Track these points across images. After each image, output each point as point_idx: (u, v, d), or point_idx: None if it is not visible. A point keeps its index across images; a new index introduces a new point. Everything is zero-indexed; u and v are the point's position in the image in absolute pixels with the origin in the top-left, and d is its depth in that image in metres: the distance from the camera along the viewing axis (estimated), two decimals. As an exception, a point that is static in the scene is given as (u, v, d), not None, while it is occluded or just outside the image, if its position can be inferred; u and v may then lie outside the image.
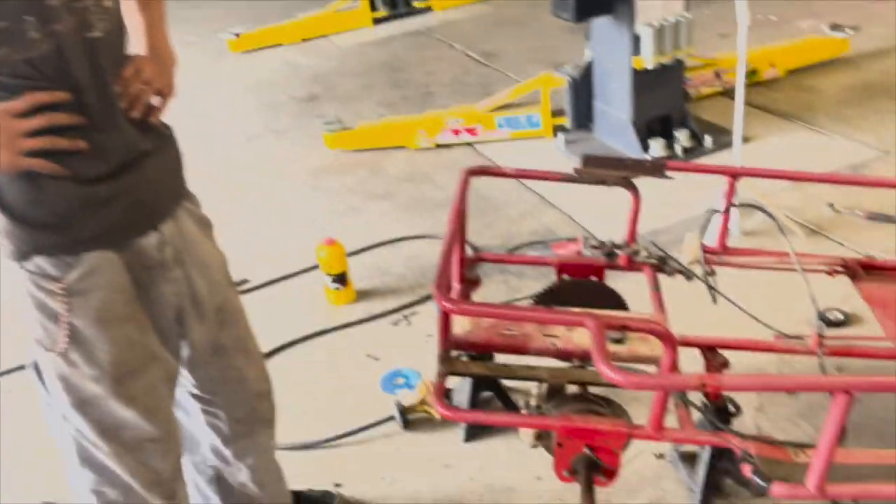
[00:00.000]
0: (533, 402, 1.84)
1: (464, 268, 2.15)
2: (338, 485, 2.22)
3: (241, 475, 1.85)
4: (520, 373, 1.82)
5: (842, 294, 2.76)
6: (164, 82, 1.51)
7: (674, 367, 1.50)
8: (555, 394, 1.82)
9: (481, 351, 2.03)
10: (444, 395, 1.77)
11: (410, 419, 2.40)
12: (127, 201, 1.40)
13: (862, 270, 2.17)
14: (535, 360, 1.90)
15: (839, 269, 2.21)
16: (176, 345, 1.57)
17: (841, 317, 2.69)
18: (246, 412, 1.78)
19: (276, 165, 4.39)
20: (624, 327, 1.51)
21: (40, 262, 1.35)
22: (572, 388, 1.87)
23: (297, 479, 2.10)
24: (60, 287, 1.36)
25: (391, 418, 2.40)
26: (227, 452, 1.80)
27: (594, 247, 2.26)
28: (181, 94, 1.60)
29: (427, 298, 3.01)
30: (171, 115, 1.57)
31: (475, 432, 2.34)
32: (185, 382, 1.69)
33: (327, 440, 2.37)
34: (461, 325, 1.87)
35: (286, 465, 2.03)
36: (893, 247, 3.11)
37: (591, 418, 1.65)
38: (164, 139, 1.52)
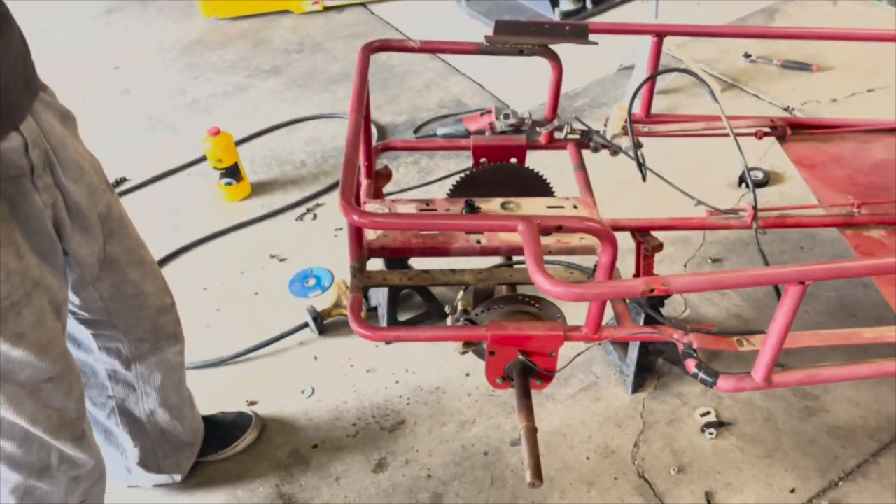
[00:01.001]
0: (460, 307, 1.69)
1: (371, 160, 1.91)
2: (252, 403, 2.05)
3: (148, 401, 1.67)
4: (442, 279, 1.64)
5: (760, 152, 2.71)
6: None
7: (613, 266, 1.36)
8: (482, 298, 1.67)
9: (398, 256, 1.84)
10: (361, 307, 1.59)
11: (326, 324, 2.23)
12: None
13: (790, 131, 2.07)
14: (458, 262, 1.73)
15: (767, 130, 2.10)
16: (61, 265, 1.31)
17: (761, 175, 2.62)
18: (147, 329, 1.58)
19: (143, 41, 3.87)
20: (559, 228, 1.34)
21: None
22: (501, 289, 1.73)
23: (206, 402, 1.92)
24: None
25: (305, 325, 2.22)
26: (129, 376, 1.61)
27: (512, 125, 2.05)
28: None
29: (333, 187, 2.76)
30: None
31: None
32: (72, 308, 1.45)
33: (236, 355, 2.17)
34: (374, 232, 1.66)
35: (192, 387, 1.84)
36: (809, 97, 3.04)
37: (523, 324, 1.51)
38: (1, 18, 1.17)
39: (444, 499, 1.79)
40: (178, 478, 1.83)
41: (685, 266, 2.32)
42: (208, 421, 1.92)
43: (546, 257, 1.69)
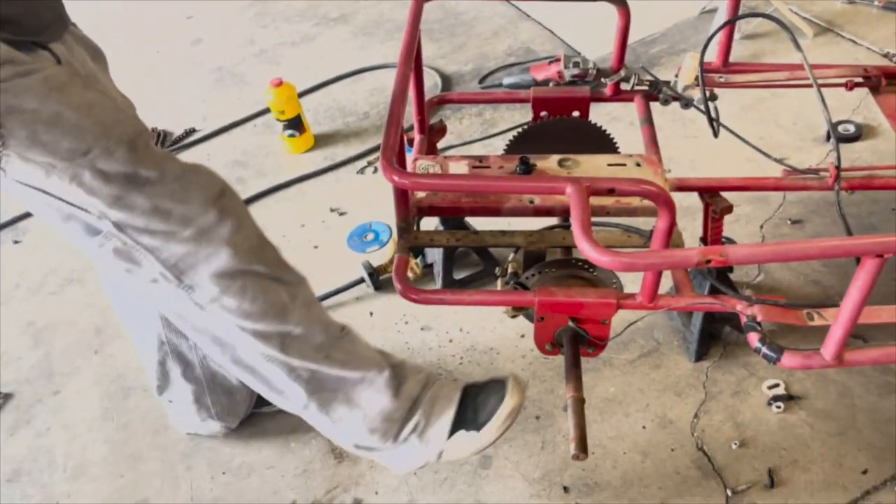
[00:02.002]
0: (510, 270, 1.63)
1: (424, 115, 1.84)
2: (309, 357, 2.06)
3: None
4: (492, 240, 1.58)
5: (852, 103, 2.49)
6: None
7: (670, 233, 1.26)
8: (534, 261, 1.60)
9: (448, 216, 1.78)
10: (407, 268, 1.55)
11: (382, 280, 2.21)
12: None
13: (885, 81, 1.87)
14: (513, 222, 1.67)
15: (859, 80, 1.91)
16: None
17: (852, 129, 2.41)
18: None
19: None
20: (612, 191, 1.25)
21: None
22: (556, 252, 1.66)
23: None
24: None
25: (361, 280, 2.21)
26: None
27: (575, 76, 1.94)
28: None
29: (405, 131, 2.71)
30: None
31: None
32: None
33: (294, 309, 2.18)
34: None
35: None
36: (914, 42, 2.77)
37: (574, 290, 1.44)
38: None
39: (493, 462, 1.76)
40: (232, 425, 1.86)
41: (761, 227, 2.17)
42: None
43: (604, 219, 1.61)
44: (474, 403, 1.52)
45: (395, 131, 1.35)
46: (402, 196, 1.49)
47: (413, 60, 1.61)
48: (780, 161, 1.68)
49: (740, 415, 1.76)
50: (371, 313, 2.16)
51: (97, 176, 1.16)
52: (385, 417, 1.49)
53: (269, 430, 1.90)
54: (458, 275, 2.17)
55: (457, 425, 1.51)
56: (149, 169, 1.20)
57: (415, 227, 1.61)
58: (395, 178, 1.27)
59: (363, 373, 1.47)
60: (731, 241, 1.91)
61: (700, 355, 1.87)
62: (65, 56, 1.20)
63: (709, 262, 1.12)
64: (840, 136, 2.38)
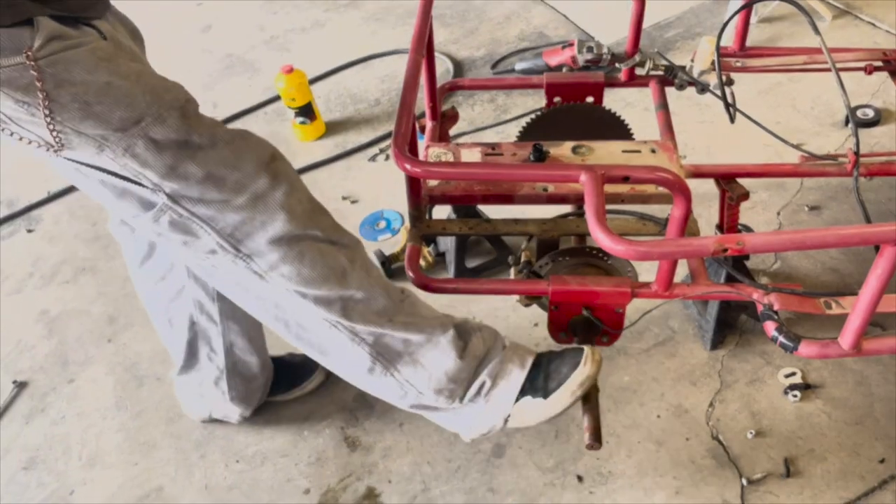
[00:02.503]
0: (523, 258, 1.61)
1: (436, 101, 1.83)
2: (321, 346, 2.06)
3: (230, 334, 1.69)
4: (504, 228, 1.56)
5: (871, 88, 2.45)
6: None
7: (686, 221, 1.24)
8: (547, 249, 1.59)
9: (460, 203, 1.77)
10: (419, 256, 1.54)
11: (394, 268, 2.20)
12: None
13: (906, 65, 1.84)
14: (526, 209, 1.65)
15: (878, 63, 1.88)
16: None
17: (871, 114, 2.37)
18: None
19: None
20: (626, 179, 1.23)
21: None
22: (570, 240, 1.64)
23: (275, 344, 1.94)
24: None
25: (373, 269, 2.20)
26: (213, 310, 1.64)
27: (589, 61, 1.91)
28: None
29: (416, 118, 2.68)
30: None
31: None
32: None
33: (306, 298, 2.18)
34: (435, 175, 1.59)
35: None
36: (935, 24, 2.71)
37: (588, 279, 1.43)
38: None
39: (507, 450, 1.76)
40: (247, 412, 1.87)
41: (778, 214, 2.14)
42: (277, 361, 1.94)
43: (618, 206, 1.59)
44: (547, 370, 1.46)
45: (408, 119, 1.33)
46: (414, 184, 1.48)
47: (425, 46, 1.59)
48: (797, 147, 1.65)
49: (756, 404, 1.74)
50: (383, 301, 2.15)
51: (150, 145, 1.15)
52: (451, 378, 1.44)
53: (282, 419, 1.90)
54: (471, 263, 2.15)
55: (525, 391, 1.46)
56: (200, 135, 1.19)
57: (427, 216, 1.60)
58: (408, 167, 1.26)
59: (428, 334, 1.43)
60: (747, 229, 1.89)
61: (715, 344, 1.86)
62: (109, 32, 1.20)
63: (725, 250, 1.10)
64: (859, 121, 2.34)
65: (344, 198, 2.50)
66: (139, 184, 1.18)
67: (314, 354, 1.46)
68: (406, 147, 1.28)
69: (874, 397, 1.71)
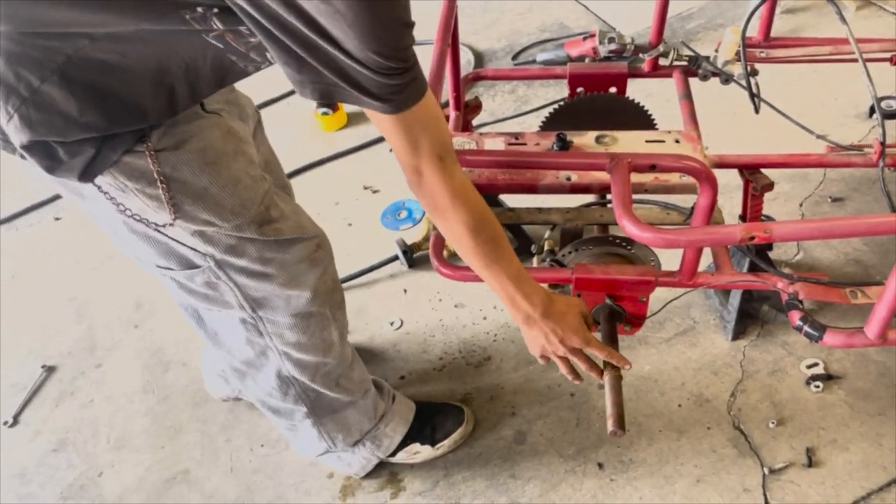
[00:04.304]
0: (546, 247, 1.62)
1: (460, 92, 1.84)
2: (343, 333, 2.09)
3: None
4: (528, 217, 1.58)
5: (897, 79, 2.43)
6: None
7: (712, 210, 1.25)
8: (570, 238, 1.60)
9: (483, 192, 1.77)
10: (443, 245, 1.56)
11: (416, 257, 2.22)
12: None
13: (933, 55, 1.82)
14: (549, 199, 1.66)
15: (905, 54, 1.86)
16: None
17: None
18: None
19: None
20: (653, 167, 1.24)
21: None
22: (593, 229, 1.65)
23: None
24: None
25: (395, 258, 2.22)
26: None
27: (613, 51, 1.91)
28: None
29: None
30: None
31: (486, 268, 2.15)
32: None
33: (329, 286, 2.20)
34: (459, 164, 1.60)
35: None
36: (962, 15, 2.68)
37: (611, 267, 1.44)
38: None
39: (528, 437, 1.77)
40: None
41: (801, 205, 2.14)
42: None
43: (642, 196, 1.60)
44: (432, 422, 1.75)
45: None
46: (439, 172, 1.49)
47: (450, 36, 1.60)
48: (822, 137, 1.64)
49: (778, 394, 1.75)
50: (405, 290, 2.18)
51: (222, 238, 1.19)
52: (361, 432, 1.64)
53: (305, 405, 1.93)
54: (492, 252, 2.16)
55: (413, 438, 1.73)
56: (266, 235, 1.23)
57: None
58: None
59: (356, 397, 1.59)
60: (770, 220, 1.88)
61: (737, 334, 1.86)
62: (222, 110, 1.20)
63: (752, 238, 1.11)
64: (884, 113, 2.31)
65: (365, 188, 2.52)
66: (193, 249, 1.20)
67: (253, 397, 1.55)
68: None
69: (897, 388, 1.71)
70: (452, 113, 1.84)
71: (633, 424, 1.74)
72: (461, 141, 1.67)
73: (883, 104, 2.37)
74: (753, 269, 1.50)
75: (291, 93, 2.96)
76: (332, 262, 1.43)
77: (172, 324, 2.13)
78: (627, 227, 1.12)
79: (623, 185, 1.18)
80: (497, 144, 1.66)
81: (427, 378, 1.94)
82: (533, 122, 2.61)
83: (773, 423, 1.69)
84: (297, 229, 1.29)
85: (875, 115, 2.29)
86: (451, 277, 1.48)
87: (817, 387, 1.73)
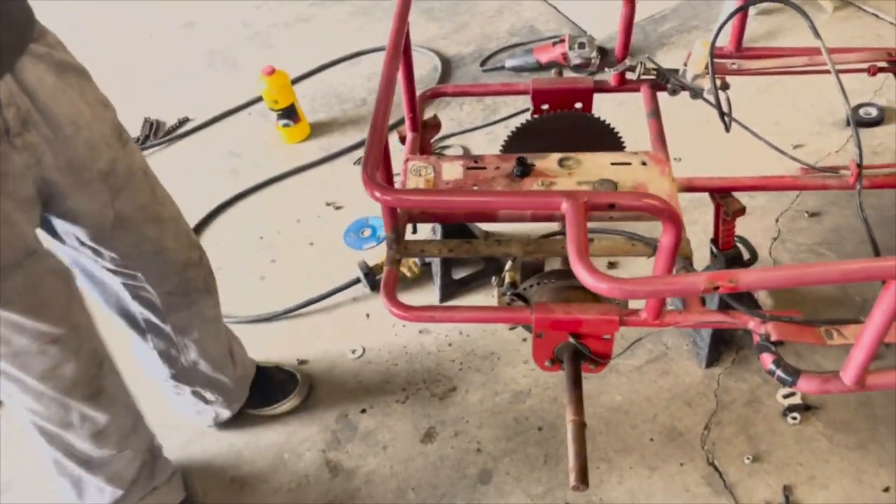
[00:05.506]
0: (507, 279, 1.53)
1: (416, 112, 1.74)
2: (303, 362, 1.99)
3: (189, 353, 1.64)
4: (486, 250, 1.48)
5: (874, 85, 2.36)
6: None
7: (676, 250, 1.16)
8: (532, 271, 1.51)
9: (441, 222, 1.69)
10: (396, 281, 1.46)
11: (378, 280, 2.12)
12: None
13: (912, 66, 1.74)
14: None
15: (883, 64, 1.78)
16: (37, 225, 1.28)
17: (874, 113, 2.28)
18: (176, 284, 1.53)
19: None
20: (612, 206, 1.15)
21: None
22: (555, 258, 1.56)
23: (258, 358, 1.90)
24: None
25: (357, 280, 2.12)
26: (166, 328, 1.58)
27: (578, 65, 1.82)
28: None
29: (395, 126, 2.59)
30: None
31: (452, 291, 2.07)
32: (100, 260, 1.42)
33: (286, 311, 2.11)
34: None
35: (246, 341, 1.84)
36: (941, 15, 2.61)
37: (573, 307, 1.34)
38: None
39: (494, 476, 1.69)
40: (225, 415, 1.82)
41: (777, 221, 2.06)
42: (262, 372, 1.88)
43: (605, 225, 1.51)
44: None
45: (378, 140, 1.25)
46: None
47: (401, 55, 1.50)
48: (796, 159, 1.56)
49: (753, 426, 1.67)
50: (368, 315, 2.08)
51: None
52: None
53: (262, 442, 1.83)
54: (458, 274, 2.07)
55: None
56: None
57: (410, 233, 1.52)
58: (378, 195, 1.17)
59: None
60: (743, 240, 1.80)
61: (711, 361, 1.78)
62: (7, 95, 1.09)
63: (717, 288, 1.02)
64: (861, 121, 2.24)
65: (328, 203, 2.42)
66: None
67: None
68: (376, 172, 1.19)
69: (877, 419, 1.64)
70: (409, 134, 1.74)
71: (604, 461, 1.66)
72: (418, 166, 1.58)
73: (861, 111, 2.30)
74: (723, 304, 1.42)
75: (253, 102, 2.84)
76: (80, 357, 1.35)
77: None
78: (583, 277, 1.03)
79: (578, 227, 1.08)
80: (455, 169, 1.55)
81: (389, 411, 1.85)
82: (501, 133, 2.51)
83: (748, 458, 1.61)
84: (27, 311, 1.23)
85: (852, 129, 2.22)
86: (404, 319, 1.39)
87: (794, 418, 1.65)
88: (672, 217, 1.13)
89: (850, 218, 2.02)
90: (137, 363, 1.67)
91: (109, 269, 1.45)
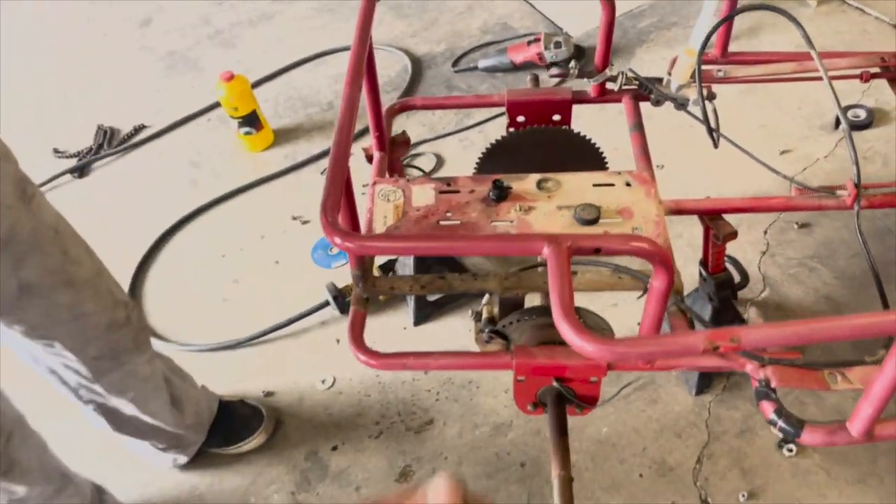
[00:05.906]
0: (485, 315, 1.42)
1: (383, 130, 1.61)
2: (269, 394, 1.87)
3: (127, 408, 1.52)
4: (461, 286, 1.36)
5: (862, 85, 2.25)
6: None
7: (668, 294, 1.06)
8: (511, 307, 1.40)
9: (416, 255, 1.57)
10: (363, 323, 1.35)
11: (348, 302, 2.00)
12: None
13: (906, 71, 1.65)
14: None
15: (875, 70, 1.69)
16: None
17: (863, 115, 2.19)
18: (101, 348, 1.38)
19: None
20: (597, 251, 1.04)
21: None
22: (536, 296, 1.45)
23: (222, 389, 1.80)
24: None
25: (326, 304, 2.00)
26: (98, 389, 1.45)
27: (556, 75, 1.71)
28: None
29: (359, 135, 2.46)
30: None
31: (426, 314, 1.95)
32: (12, 327, 1.27)
33: (252, 337, 1.98)
34: (383, 222, 1.38)
35: (208, 371, 1.74)
36: (928, 10, 2.52)
37: (557, 350, 1.24)
38: None
39: (474, 518, 1.58)
40: (182, 459, 1.71)
41: (765, 233, 1.97)
42: (224, 408, 1.76)
43: (590, 258, 1.40)
44: None
45: (339, 177, 1.13)
46: (354, 246, 1.27)
47: (364, 72, 1.37)
48: (790, 178, 1.46)
49: (747, 459, 1.58)
50: (338, 340, 1.96)
51: None
52: None
53: (226, 485, 1.71)
54: (433, 295, 1.96)
55: None
56: None
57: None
58: (339, 242, 1.05)
59: None
60: (734, 261, 1.71)
61: (701, 388, 1.69)
62: None
63: (717, 348, 0.91)
64: (850, 124, 2.15)
65: (294, 217, 2.29)
66: None
67: None
68: (336, 215, 1.07)
69: (877, 451, 1.56)
70: (376, 154, 1.61)
71: (590, 500, 1.56)
72: (386, 190, 1.45)
73: (849, 114, 2.21)
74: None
75: (213, 107, 2.69)
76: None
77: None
78: (567, 335, 0.92)
79: (562, 276, 0.97)
80: (426, 193, 1.43)
81: (362, 447, 1.74)
82: (475, 138, 2.40)
83: (743, 495, 1.53)
84: None
85: (842, 127, 2.12)
86: (375, 367, 1.28)
87: (790, 450, 1.57)
88: (663, 260, 1.02)
89: (841, 230, 1.93)
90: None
91: (24, 334, 1.30)
